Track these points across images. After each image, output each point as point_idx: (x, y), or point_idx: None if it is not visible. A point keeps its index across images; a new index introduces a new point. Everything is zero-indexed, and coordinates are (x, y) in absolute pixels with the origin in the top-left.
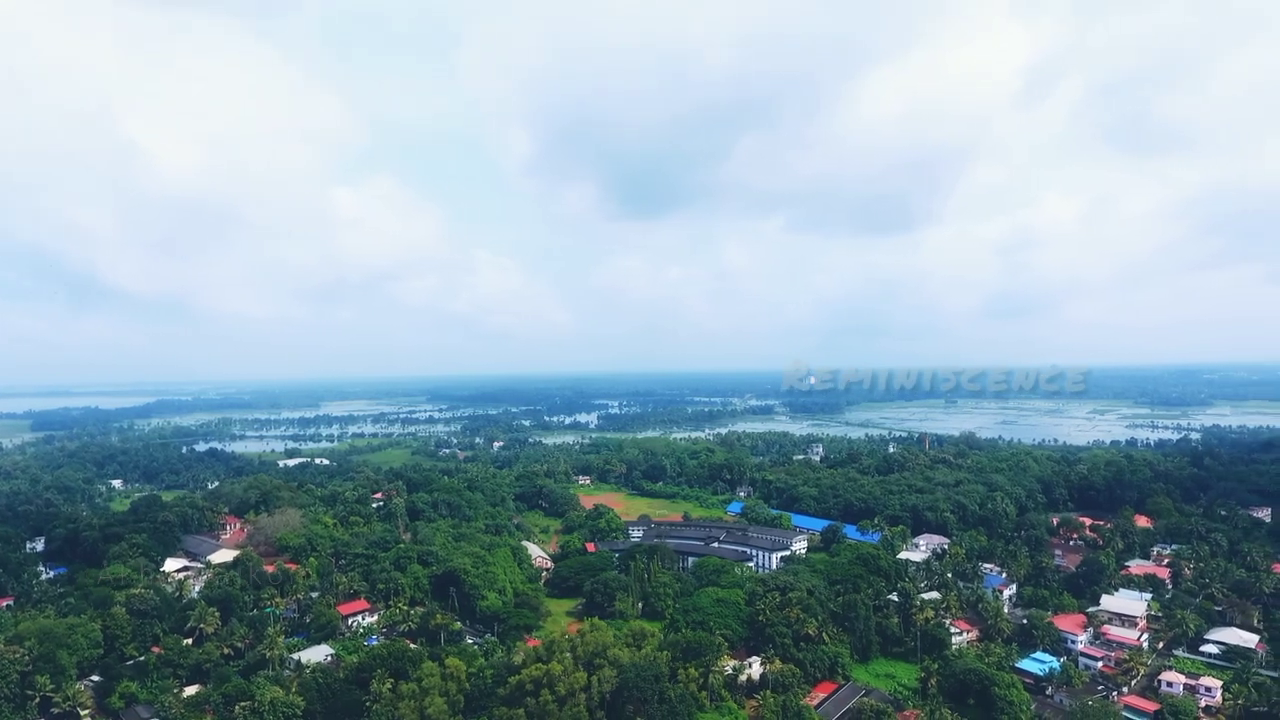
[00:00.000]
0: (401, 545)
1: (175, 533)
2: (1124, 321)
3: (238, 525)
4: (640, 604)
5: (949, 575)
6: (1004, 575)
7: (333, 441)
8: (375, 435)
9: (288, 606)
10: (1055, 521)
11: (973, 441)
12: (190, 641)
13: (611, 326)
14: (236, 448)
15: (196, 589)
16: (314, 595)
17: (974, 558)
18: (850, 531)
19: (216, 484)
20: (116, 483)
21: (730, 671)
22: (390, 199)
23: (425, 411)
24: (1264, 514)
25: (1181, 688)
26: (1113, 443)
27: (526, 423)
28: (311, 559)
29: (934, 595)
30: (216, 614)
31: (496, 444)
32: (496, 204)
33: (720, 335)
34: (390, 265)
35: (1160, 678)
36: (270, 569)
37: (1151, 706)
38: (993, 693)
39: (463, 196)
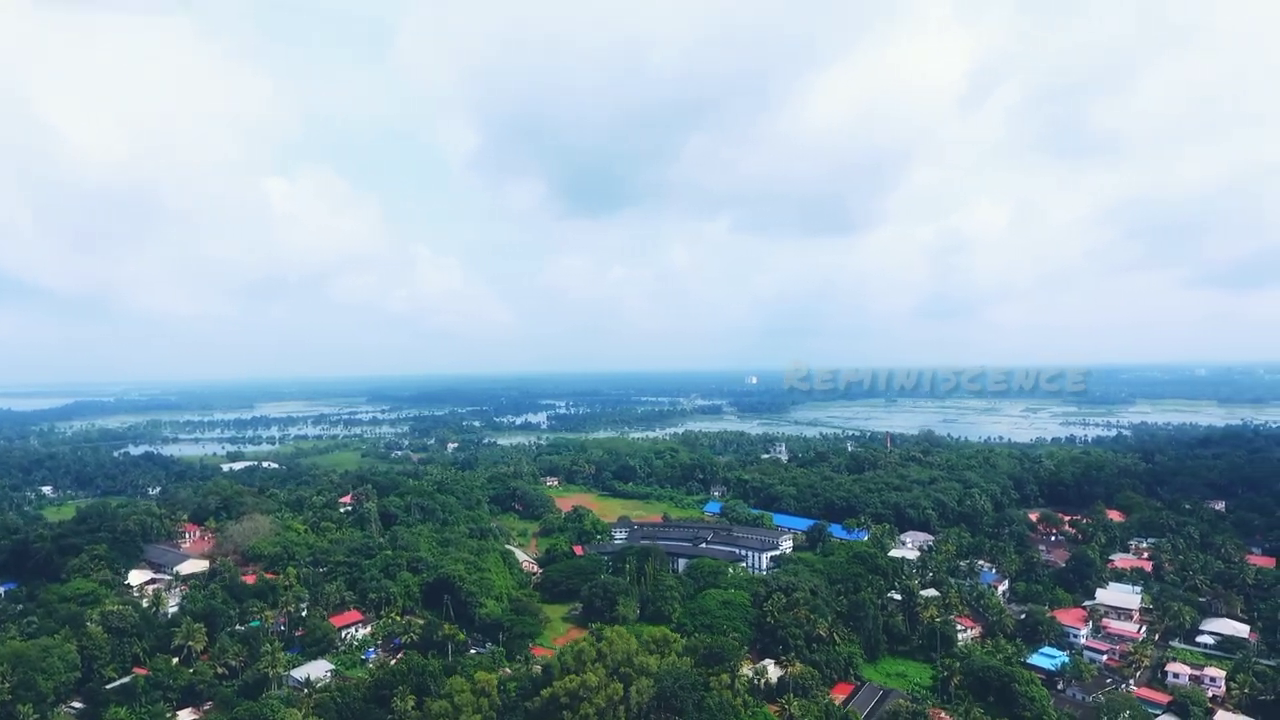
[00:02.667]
0: (388, 552)
1: (138, 543)
2: (1048, 323)
3: (197, 533)
4: (639, 608)
5: (944, 573)
6: (995, 571)
7: (274, 444)
8: (319, 437)
9: (276, 620)
10: (1035, 517)
11: (933, 439)
12: (178, 661)
13: (555, 326)
14: (170, 451)
15: (173, 603)
16: (304, 607)
17: (965, 554)
18: (836, 530)
19: (158, 489)
20: (46, 489)
21: (751, 676)
22: (325, 192)
23: (367, 412)
24: (1219, 506)
25: (1187, 678)
26: (1054, 440)
27: (476, 423)
28: (290, 568)
29: (932, 593)
30: (204, 630)
31: (451, 445)
32: (438, 200)
33: (661, 336)
34: (326, 261)
35: (1166, 669)
36: (250, 580)
37: (1162, 698)
38: (1014, 689)
39: (402, 191)
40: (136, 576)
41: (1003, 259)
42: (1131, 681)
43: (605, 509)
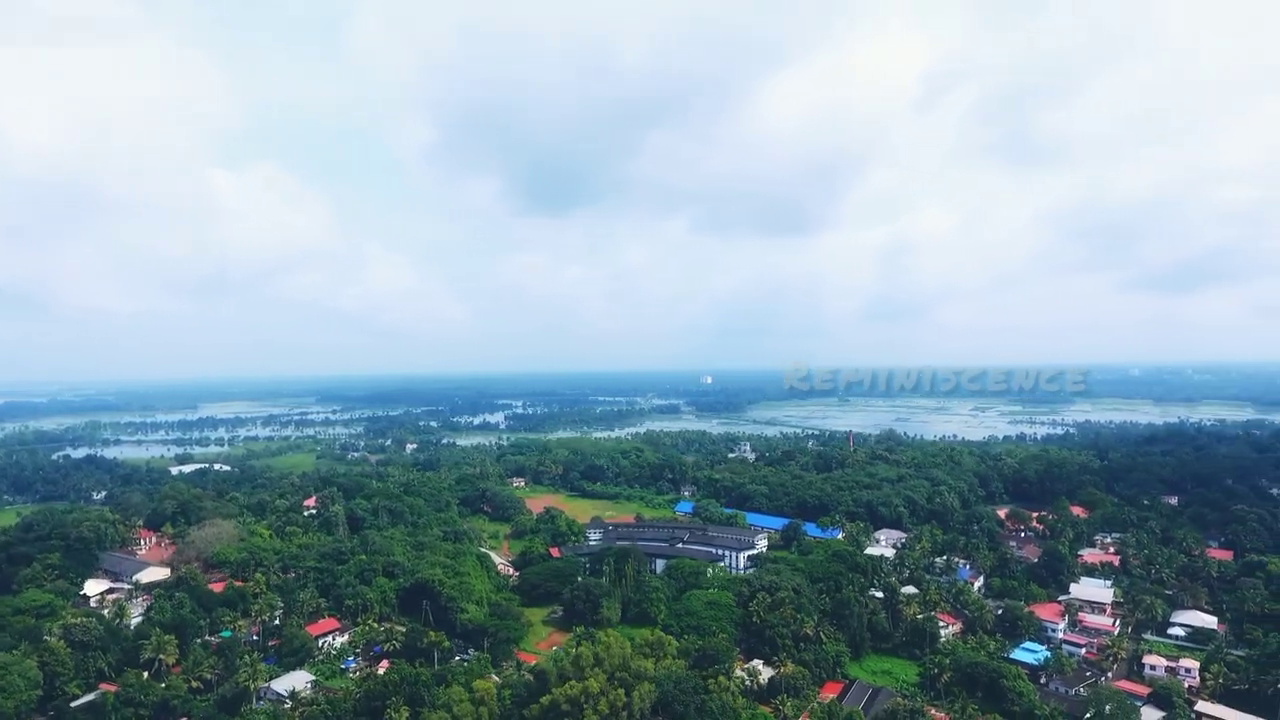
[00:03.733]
0: (362, 557)
1: (93, 551)
2: (993, 324)
3: (153, 539)
4: (621, 610)
5: (921, 570)
6: (970, 568)
7: (223, 445)
8: (271, 438)
9: (249, 630)
10: (1004, 514)
11: (894, 438)
12: (148, 675)
13: (510, 325)
14: (112, 453)
15: (137, 614)
16: (277, 616)
17: (940, 551)
18: (811, 529)
19: (103, 494)
20: None
21: (744, 677)
22: (275, 187)
23: (319, 413)
24: (1173, 501)
25: (1163, 670)
26: (1005, 438)
27: (433, 424)
28: (258, 575)
29: (912, 590)
30: (175, 642)
31: (409, 446)
32: (391, 195)
33: (617, 335)
34: (274, 257)
35: (1144, 661)
36: (218, 587)
37: (1142, 690)
38: (1002, 685)
39: (354, 186)
40: (93, 586)
41: (952, 261)
42: (1109, 674)
43: (576, 510)
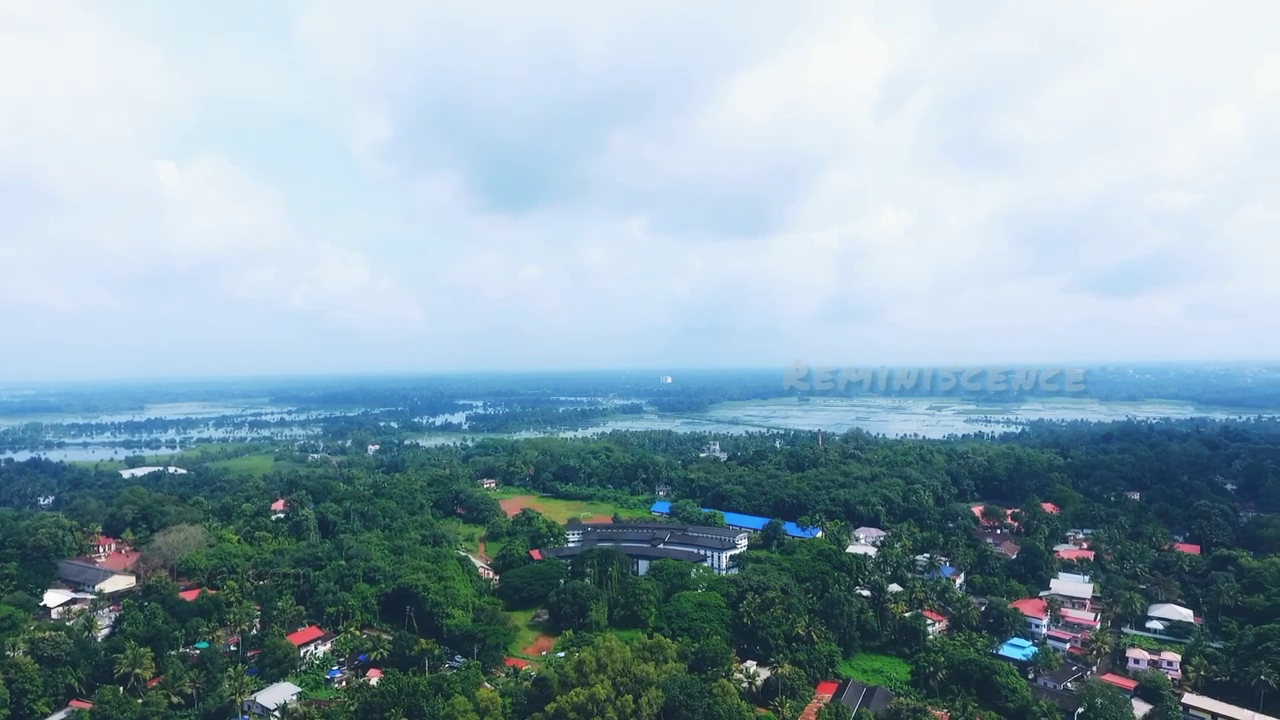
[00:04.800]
0: (341, 562)
1: (51, 559)
2: (943, 326)
3: (113, 546)
4: (608, 612)
5: (904, 568)
6: (950, 565)
7: (174, 448)
8: (225, 440)
9: (227, 640)
10: (979, 511)
11: (861, 437)
12: (124, 690)
13: (468, 325)
14: (56, 456)
15: (104, 625)
16: (255, 625)
17: (920, 549)
18: (791, 528)
19: (51, 499)
20: None
21: (742, 679)
22: (223, 180)
23: (273, 414)
24: (1135, 496)
25: (1146, 663)
26: (964, 436)
27: (393, 425)
28: (230, 582)
29: (896, 588)
30: (151, 655)
31: (371, 448)
32: (344, 191)
33: (576, 335)
34: (221, 254)
35: (1127, 654)
36: (190, 596)
37: (1128, 684)
38: (995, 681)
39: (306, 182)
40: (54, 597)
41: (907, 263)
42: (1094, 668)
43: (550, 511)
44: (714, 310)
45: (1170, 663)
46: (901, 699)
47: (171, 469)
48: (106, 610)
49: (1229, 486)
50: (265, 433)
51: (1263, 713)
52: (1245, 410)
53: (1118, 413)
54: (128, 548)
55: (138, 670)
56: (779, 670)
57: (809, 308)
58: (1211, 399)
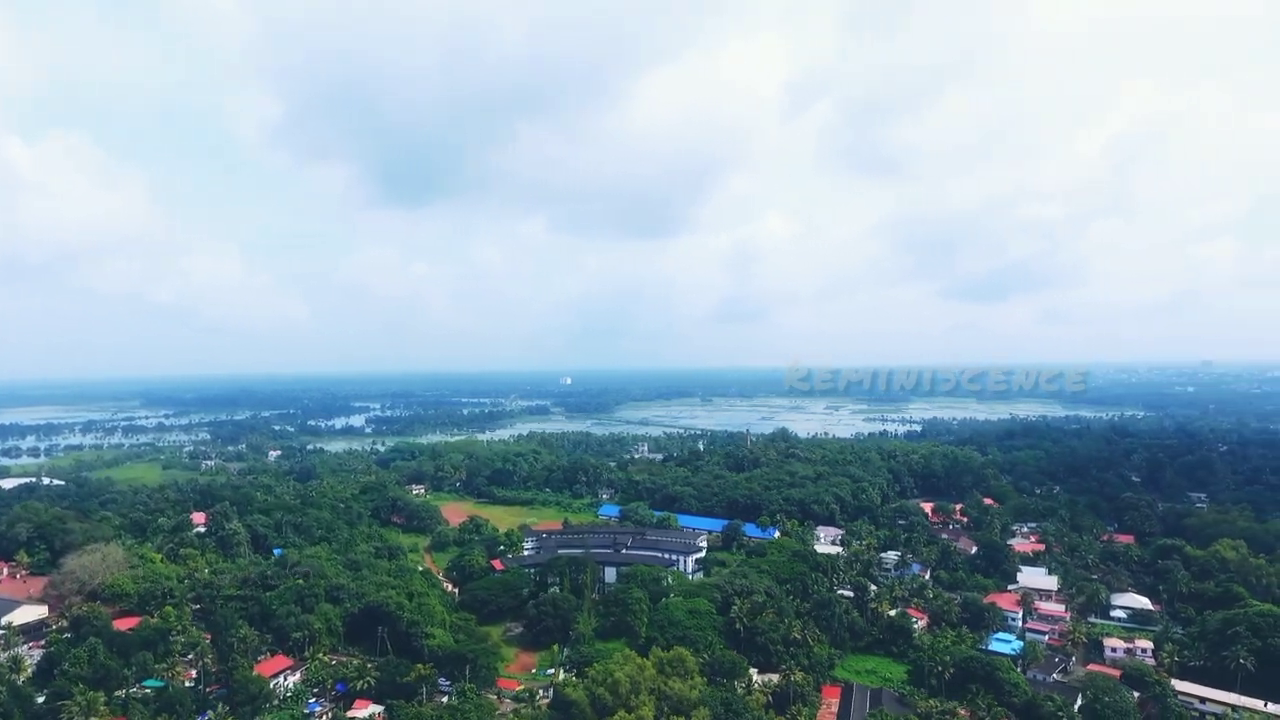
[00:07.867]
0: (299, 581)
1: None
2: (829, 329)
3: (5, 571)
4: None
5: (874, 566)
6: (916, 562)
7: (39, 456)
8: (99, 447)
9: (181, 676)
10: (929, 508)
11: (787, 438)
12: None
13: (356, 324)
14: None
15: (31, 666)
16: (209, 657)
17: (884, 547)
18: (750, 529)
19: None
20: None
21: (759, 687)
22: (78, 160)
23: (148, 417)
24: (1055, 490)
25: (1123, 652)
26: (870, 434)
27: (289, 429)
28: (168, 608)
29: (873, 586)
30: (104, 699)
31: (273, 453)
32: (221, 179)
33: (471, 335)
34: (80, 242)
35: (1104, 644)
36: (126, 625)
37: (1113, 673)
38: (998, 677)
39: (176, 167)
40: None
41: (798, 266)
42: (1074, 659)
43: (492, 517)
44: (612, 311)
45: (1144, 650)
46: (919, 700)
47: (46, 480)
48: (26, 647)
49: (1134, 479)
50: (144, 438)
51: (1240, 694)
52: (1104, 408)
53: (998, 411)
54: (23, 572)
55: (93, 717)
56: (791, 677)
57: (704, 309)
58: (1075, 398)
